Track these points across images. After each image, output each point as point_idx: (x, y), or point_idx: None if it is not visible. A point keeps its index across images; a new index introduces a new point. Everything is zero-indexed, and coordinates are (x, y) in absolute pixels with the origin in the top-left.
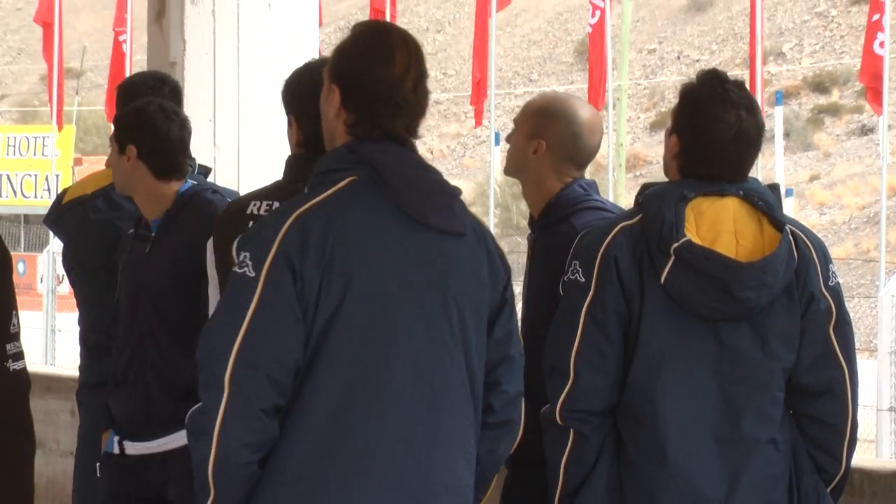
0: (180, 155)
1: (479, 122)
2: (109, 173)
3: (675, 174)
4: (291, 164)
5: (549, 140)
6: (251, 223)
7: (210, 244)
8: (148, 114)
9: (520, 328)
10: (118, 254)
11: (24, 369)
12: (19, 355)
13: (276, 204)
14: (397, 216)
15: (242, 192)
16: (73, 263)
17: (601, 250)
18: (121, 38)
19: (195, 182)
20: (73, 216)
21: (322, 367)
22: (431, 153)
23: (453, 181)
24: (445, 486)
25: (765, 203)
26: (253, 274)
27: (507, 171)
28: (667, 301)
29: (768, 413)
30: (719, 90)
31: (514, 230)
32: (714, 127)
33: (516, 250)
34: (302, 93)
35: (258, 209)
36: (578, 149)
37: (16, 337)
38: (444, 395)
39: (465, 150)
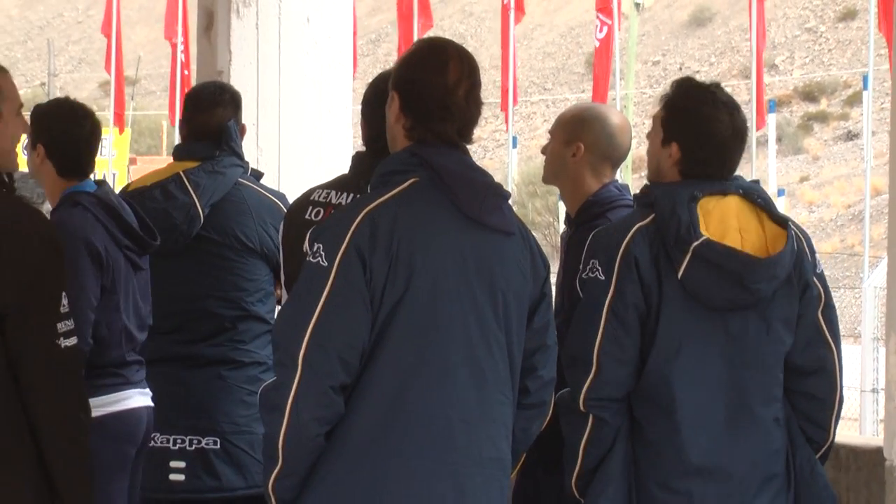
0: (84, 156)
1: (508, 128)
2: (169, 168)
3: (675, 178)
4: (355, 160)
5: (586, 142)
6: (311, 207)
7: (281, 225)
8: (57, 115)
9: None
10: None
11: (75, 345)
12: (70, 332)
13: (334, 192)
14: (455, 215)
15: (282, 189)
16: None
17: (621, 250)
18: (177, 50)
19: (96, 184)
20: (132, 206)
21: (385, 350)
22: None
23: None
24: (491, 459)
25: (763, 200)
26: (326, 264)
27: (546, 178)
28: (682, 294)
29: (772, 393)
30: (707, 94)
31: (529, 225)
32: (713, 127)
33: None
34: (370, 100)
35: (320, 196)
36: (614, 147)
37: (66, 316)
38: (490, 376)
39: (485, 152)
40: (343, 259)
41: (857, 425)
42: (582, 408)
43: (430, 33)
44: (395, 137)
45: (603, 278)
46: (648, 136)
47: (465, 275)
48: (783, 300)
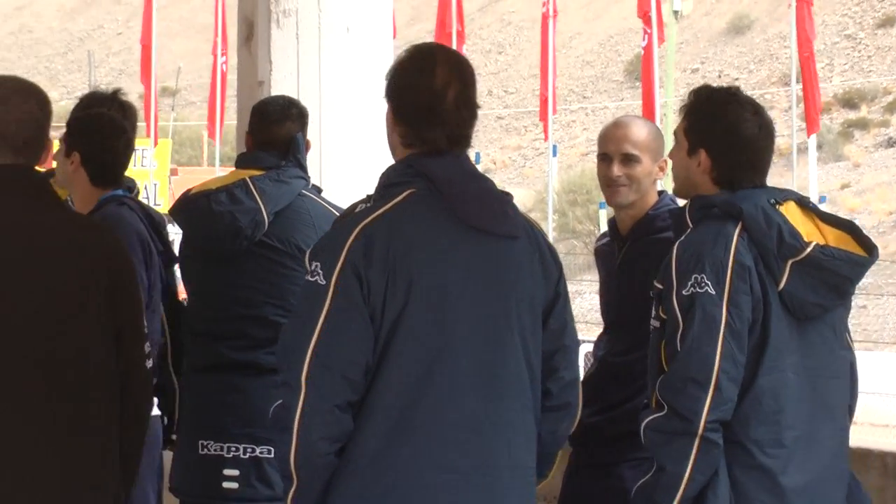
0: (118, 167)
1: (547, 136)
2: (233, 175)
3: (711, 189)
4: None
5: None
6: None
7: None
8: (95, 126)
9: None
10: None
11: (153, 367)
12: (149, 354)
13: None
14: (455, 223)
15: (327, 200)
16: (190, 251)
17: (731, 261)
18: (218, 61)
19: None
20: (197, 206)
21: (390, 364)
22: (494, 164)
23: (514, 190)
24: (508, 468)
25: (814, 205)
26: (324, 282)
27: (628, 200)
28: (780, 304)
29: (847, 403)
30: (728, 95)
31: (570, 234)
32: (740, 127)
33: (573, 252)
34: None
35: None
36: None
37: (147, 336)
38: (503, 383)
39: (525, 160)
40: (340, 276)
41: None
42: (702, 431)
43: (469, 42)
44: (394, 147)
45: (714, 293)
46: (671, 154)
47: (468, 282)
48: (842, 308)
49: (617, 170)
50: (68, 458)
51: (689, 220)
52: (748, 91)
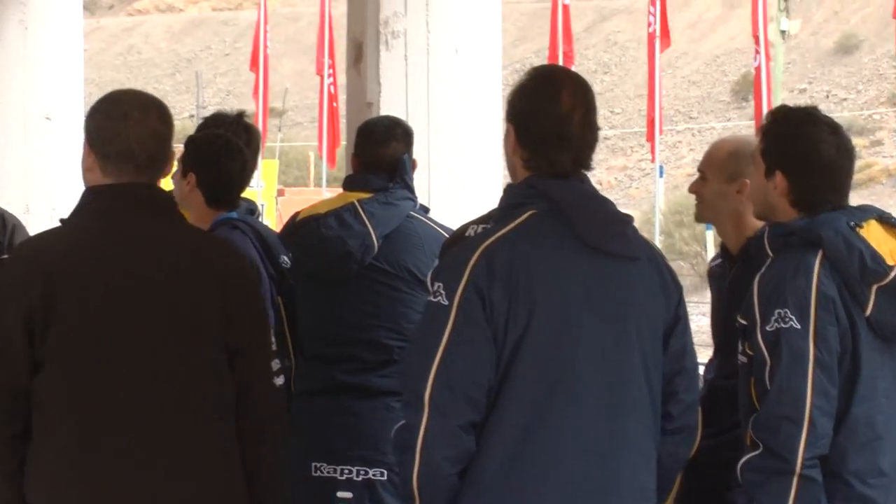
0: (233, 189)
1: (654, 157)
2: (341, 198)
3: (789, 212)
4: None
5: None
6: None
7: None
8: (212, 149)
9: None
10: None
11: (283, 384)
12: (279, 371)
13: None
14: (575, 245)
15: (434, 220)
16: (300, 275)
17: (813, 293)
18: (324, 82)
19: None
20: (307, 231)
21: (512, 385)
22: (601, 185)
23: (621, 210)
24: (630, 490)
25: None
26: (447, 302)
27: (703, 217)
28: (867, 330)
29: None
30: (805, 115)
31: (676, 255)
32: (819, 148)
33: (679, 273)
34: None
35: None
36: None
37: (276, 354)
38: (624, 406)
39: (631, 181)
40: (463, 297)
41: None
42: (799, 469)
43: (575, 63)
44: (514, 168)
45: (799, 327)
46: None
47: (590, 304)
48: None
49: (692, 187)
50: (183, 478)
51: (768, 248)
52: (856, 112)
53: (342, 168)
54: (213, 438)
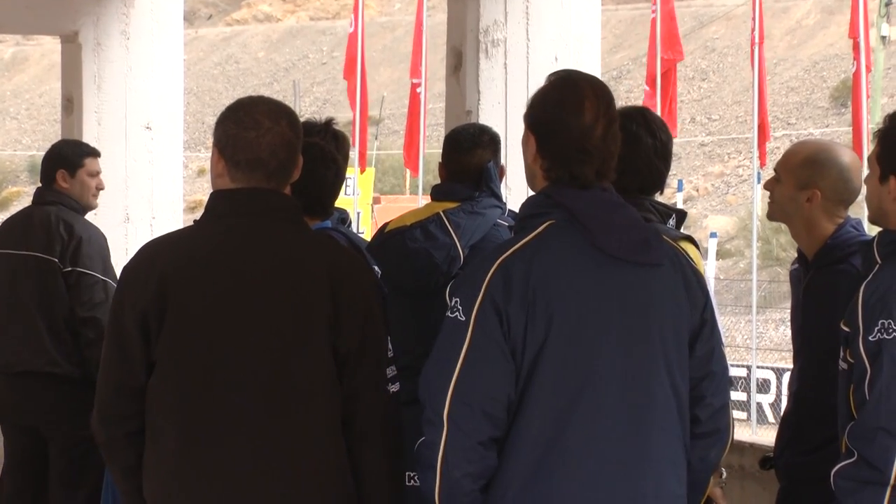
0: (327, 198)
1: (763, 163)
2: (428, 208)
3: None
4: None
5: (823, 189)
6: None
7: None
8: (306, 157)
9: (795, 355)
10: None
11: (398, 392)
12: (394, 378)
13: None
14: (595, 254)
15: None
16: (389, 287)
17: None
18: (417, 90)
19: (333, 222)
20: (393, 244)
21: (532, 399)
22: (697, 191)
23: (717, 217)
24: (656, 499)
25: None
26: (464, 318)
27: (774, 217)
28: None
29: None
30: None
31: (774, 261)
32: None
33: (776, 280)
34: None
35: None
36: (849, 191)
37: (392, 360)
38: (649, 413)
39: (728, 188)
40: (479, 312)
41: None
42: (893, 481)
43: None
44: (533, 176)
45: None
46: (866, 179)
47: (610, 313)
48: None
49: (766, 184)
50: (287, 488)
51: (876, 255)
52: None
53: (435, 176)
54: (320, 447)
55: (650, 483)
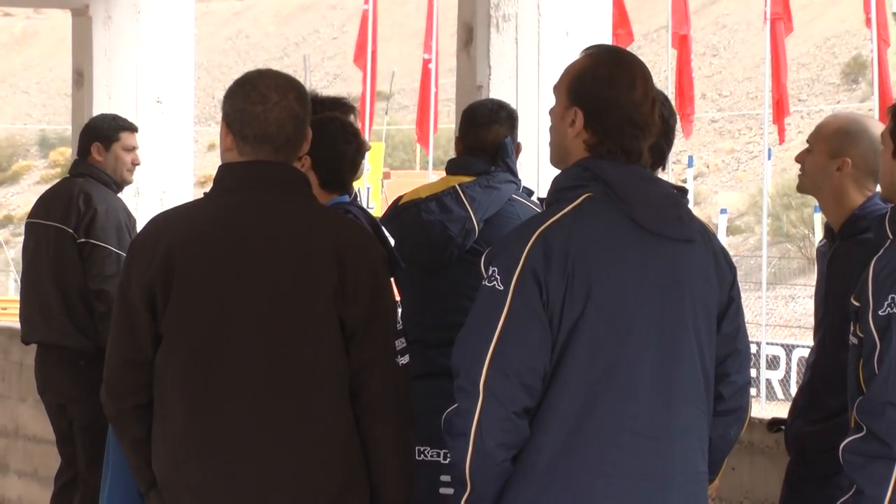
0: (347, 172)
1: (782, 139)
2: (443, 182)
3: None
4: None
5: (853, 157)
6: None
7: None
8: (326, 132)
9: (816, 329)
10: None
11: (407, 364)
12: (404, 350)
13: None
14: (631, 228)
15: (538, 203)
16: (402, 260)
17: None
18: (429, 66)
19: (346, 200)
20: (408, 216)
21: (566, 370)
22: (707, 167)
23: (727, 193)
24: (685, 475)
25: None
26: (502, 287)
27: (804, 188)
28: None
29: None
30: None
31: (784, 238)
32: None
33: (786, 256)
34: None
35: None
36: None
37: (401, 333)
38: (680, 389)
39: (738, 164)
40: (518, 282)
41: None
42: None
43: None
44: (569, 150)
45: None
46: (880, 155)
47: (646, 287)
48: None
49: (798, 156)
50: (295, 459)
51: (888, 230)
52: None
53: (445, 151)
54: (326, 416)
55: (678, 459)
